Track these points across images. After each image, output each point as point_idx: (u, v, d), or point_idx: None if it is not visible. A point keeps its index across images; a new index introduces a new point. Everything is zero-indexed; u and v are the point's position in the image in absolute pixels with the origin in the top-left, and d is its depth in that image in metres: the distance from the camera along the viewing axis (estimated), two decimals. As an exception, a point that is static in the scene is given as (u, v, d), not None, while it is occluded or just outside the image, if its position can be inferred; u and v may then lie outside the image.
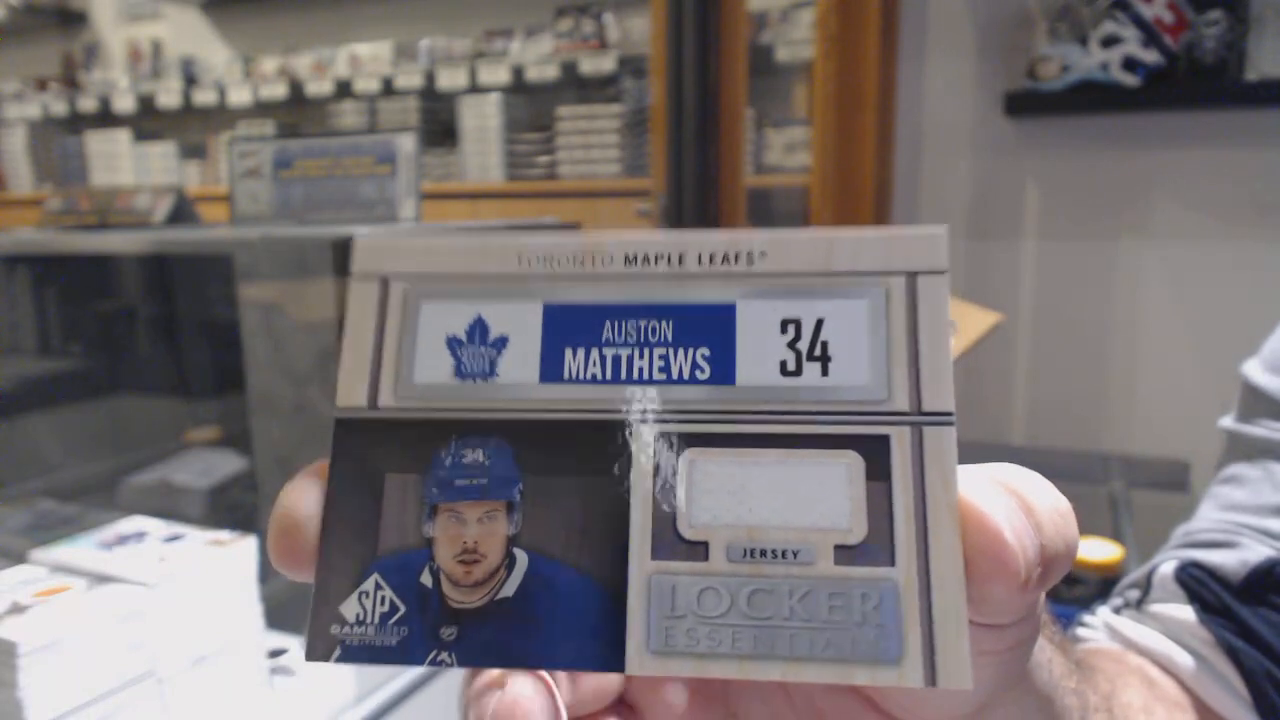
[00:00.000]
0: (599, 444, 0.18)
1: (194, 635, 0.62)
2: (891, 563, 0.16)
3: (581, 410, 0.18)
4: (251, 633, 0.67)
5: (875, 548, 0.16)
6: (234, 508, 1.15)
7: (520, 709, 0.16)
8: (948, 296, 0.18)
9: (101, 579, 0.60)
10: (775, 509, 0.17)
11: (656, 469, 0.17)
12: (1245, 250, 1.78)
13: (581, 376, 0.18)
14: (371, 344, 0.19)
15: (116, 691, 0.57)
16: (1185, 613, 0.42)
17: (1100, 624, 0.46)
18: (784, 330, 0.18)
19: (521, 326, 0.18)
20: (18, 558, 0.63)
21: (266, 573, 0.68)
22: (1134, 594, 0.46)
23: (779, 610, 0.16)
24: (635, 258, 0.18)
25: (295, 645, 0.75)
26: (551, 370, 0.18)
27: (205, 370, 1.32)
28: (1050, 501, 0.17)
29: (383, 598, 0.17)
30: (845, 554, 0.16)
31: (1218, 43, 1.69)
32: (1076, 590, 1.10)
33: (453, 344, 0.19)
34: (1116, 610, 0.46)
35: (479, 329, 0.19)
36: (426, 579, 0.17)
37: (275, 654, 0.72)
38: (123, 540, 0.65)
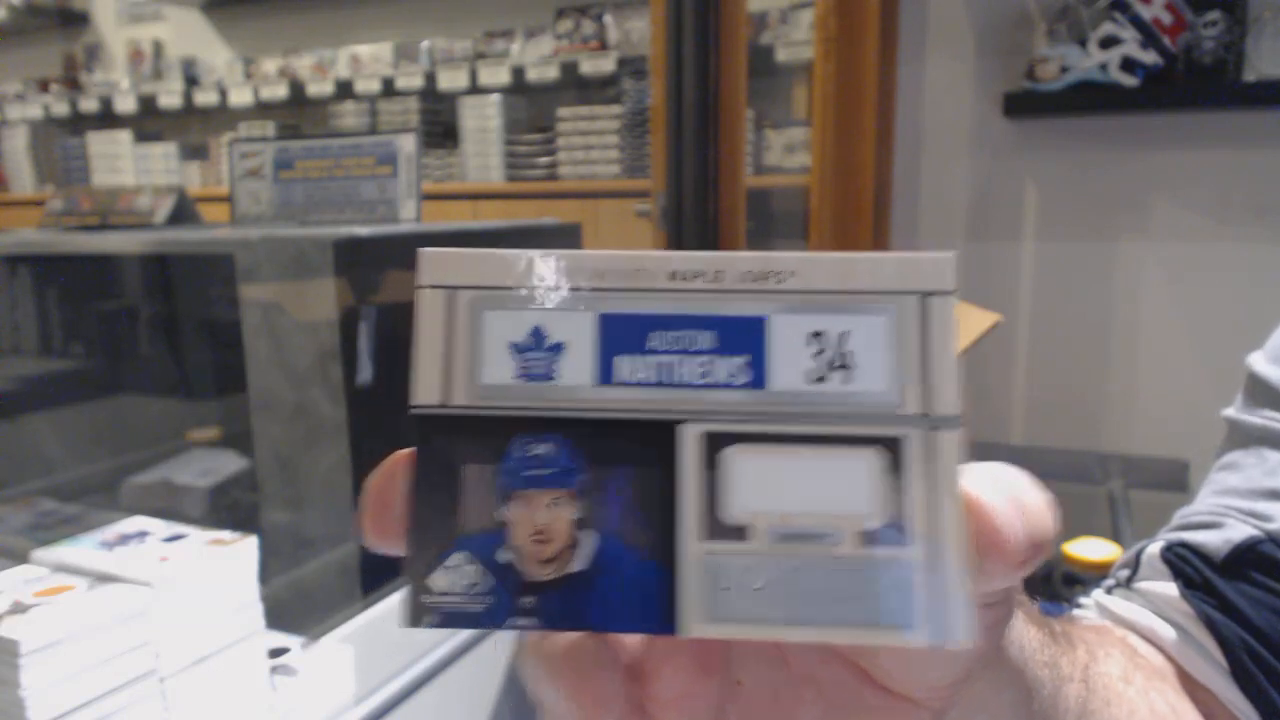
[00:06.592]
0: (650, 440, 0.20)
1: (195, 635, 0.62)
2: (906, 544, 0.19)
3: (633, 410, 0.20)
4: (252, 632, 0.67)
5: (892, 531, 0.19)
6: (235, 507, 1.15)
7: (585, 656, 0.20)
8: (954, 313, 0.20)
9: (103, 578, 0.60)
10: (805, 498, 0.19)
11: (701, 463, 0.20)
12: (1244, 250, 1.78)
13: (632, 380, 0.20)
14: (441, 348, 0.20)
15: (118, 691, 0.58)
16: (1169, 589, 0.44)
17: (1093, 604, 0.48)
18: (810, 342, 0.20)
19: (577, 335, 0.20)
20: (20, 557, 0.63)
21: (267, 572, 0.69)
22: (1124, 574, 0.48)
23: (810, 585, 0.19)
24: (677, 274, 0.21)
25: (296, 645, 0.76)
26: (605, 374, 0.20)
27: (206, 370, 1.32)
28: (1037, 496, 0.21)
29: (467, 571, 0.20)
30: (867, 537, 0.19)
31: (1216, 43, 1.69)
32: (1076, 589, 1.10)
33: (515, 349, 0.20)
34: (1108, 590, 0.48)
35: (538, 336, 0.21)
36: (504, 556, 0.20)
37: (276, 654, 0.72)
38: (124, 540, 0.65)
